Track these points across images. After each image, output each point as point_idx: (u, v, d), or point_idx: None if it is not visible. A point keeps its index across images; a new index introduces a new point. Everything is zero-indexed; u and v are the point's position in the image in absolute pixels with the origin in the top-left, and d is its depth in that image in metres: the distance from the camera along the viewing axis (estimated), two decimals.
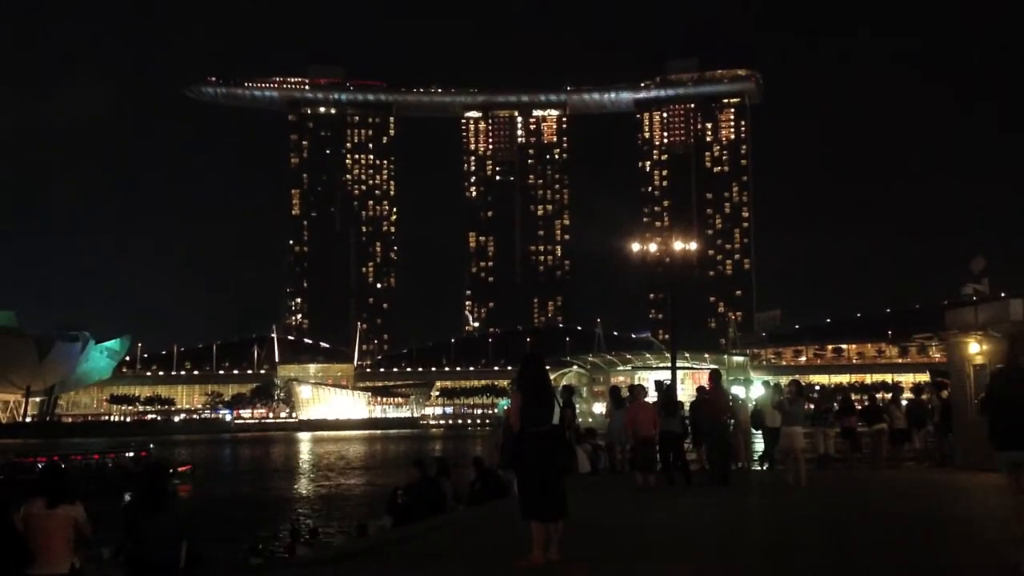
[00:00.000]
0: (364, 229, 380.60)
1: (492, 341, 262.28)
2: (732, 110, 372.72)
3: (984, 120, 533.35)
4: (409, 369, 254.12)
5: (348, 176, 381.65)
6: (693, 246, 45.43)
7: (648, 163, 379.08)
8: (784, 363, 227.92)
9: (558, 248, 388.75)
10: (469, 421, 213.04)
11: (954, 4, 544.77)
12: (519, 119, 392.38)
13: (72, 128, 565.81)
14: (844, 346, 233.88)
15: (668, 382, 28.82)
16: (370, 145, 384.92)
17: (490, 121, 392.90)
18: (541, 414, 11.34)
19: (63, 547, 9.75)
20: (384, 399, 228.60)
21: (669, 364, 43.77)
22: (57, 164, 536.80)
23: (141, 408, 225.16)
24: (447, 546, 14.01)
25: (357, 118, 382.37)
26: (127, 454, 65.69)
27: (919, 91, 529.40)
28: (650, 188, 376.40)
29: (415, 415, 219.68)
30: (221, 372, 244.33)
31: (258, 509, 47.45)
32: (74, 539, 9.89)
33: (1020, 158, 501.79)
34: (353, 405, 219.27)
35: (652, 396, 26.61)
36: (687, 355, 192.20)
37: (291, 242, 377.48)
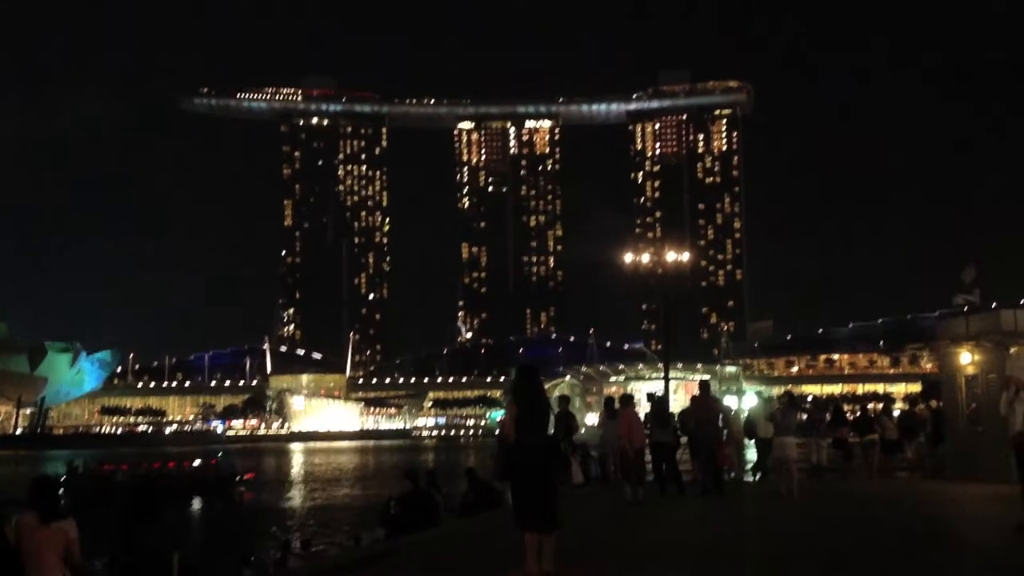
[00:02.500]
0: (357, 240, 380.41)
1: (485, 352, 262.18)
2: (724, 121, 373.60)
3: (978, 130, 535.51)
4: (402, 380, 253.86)
5: (341, 187, 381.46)
6: (685, 257, 45.59)
7: (640, 174, 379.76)
8: (776, 373, 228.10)
9: (551, 259, 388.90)
10: (462, 432, 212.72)
11: (949, 13, 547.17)
12: (512, 130, 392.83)
13: (64, 138, 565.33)
14: (836, 356, 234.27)
15: (660, 393, 28.87)
16: (363, 156, 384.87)
17: (483, 132, 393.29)
18: (536, 425, 11.36)
19: (55, 561, 9.74)
20: (377, 410, 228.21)
21: (662, 374, 43.84)
22: (48, 174, 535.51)
23: (132, 419, 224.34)
24: (440, 557, 14.01)
25: (350, 129, 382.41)
26: (195, 462, 67.10)
27: (911, 101, 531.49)
28: (642, 199, 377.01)
29: (408, 426, 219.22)
30: (213, 383, 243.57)
31: (250, 520, 47.33)
32: (65, 555, 9.87)
33: (1013, 167, 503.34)
34: (346, 416, 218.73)
35: (646, 407, 26.64)
36: (680, 365, 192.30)
37: (283, 253, 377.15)
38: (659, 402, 24.62)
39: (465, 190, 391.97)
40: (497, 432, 13.39)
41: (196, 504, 55.82)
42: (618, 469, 25.04)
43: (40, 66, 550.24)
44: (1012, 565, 12.38)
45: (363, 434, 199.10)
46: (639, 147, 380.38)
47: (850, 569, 12.07)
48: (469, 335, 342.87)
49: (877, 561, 12.67)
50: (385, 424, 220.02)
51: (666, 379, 43.59)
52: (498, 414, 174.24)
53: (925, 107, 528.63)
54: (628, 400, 22.63)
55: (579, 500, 20.32)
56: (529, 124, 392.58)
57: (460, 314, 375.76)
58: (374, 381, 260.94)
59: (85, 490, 52.59)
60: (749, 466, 28.45)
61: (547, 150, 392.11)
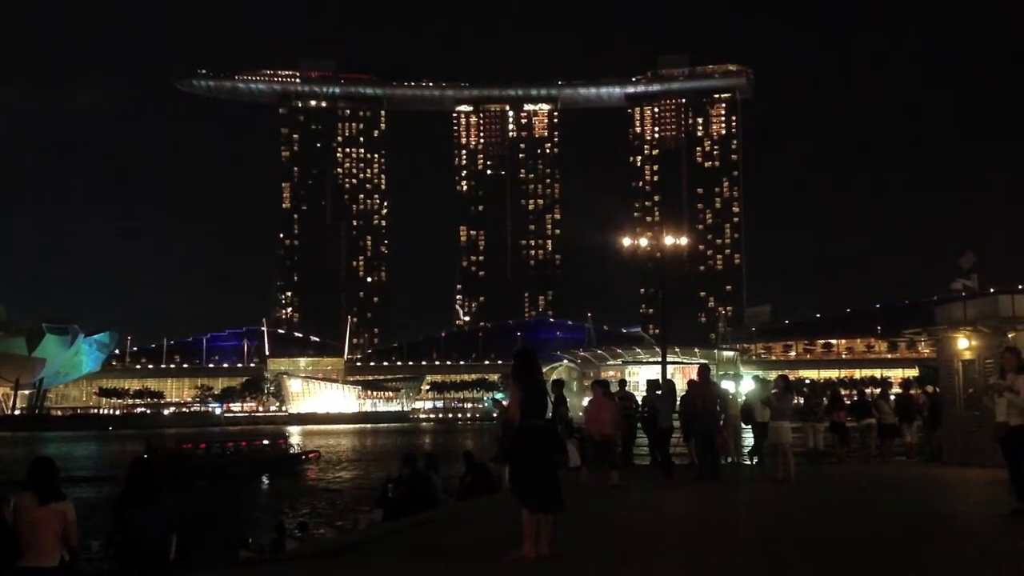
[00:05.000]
0: (355, 223, 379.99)
1: (483, 335, 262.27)
2: (723, 105, 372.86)
3: (978, 118, 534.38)
4: (400, 363, 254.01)
5: (339, 170, 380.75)
6: (684, 241, 45.61)
7: (639, 158, 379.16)
8: (774, 358, 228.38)
9: (549, 242, 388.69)
10: (460, 415, 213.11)
11: (954, 1, 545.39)
12: (510, 113, 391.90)
13: (62, 120, 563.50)
14: (834, 341, 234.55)
15: (656, 378, 28.89)
16: (361, 139, 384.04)
17: (481, 115, 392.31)
18: (539, 408, 11.56)
19: (53, 541, 9.77)
20: (374, 393, 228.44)
21: (659, 359, 43.85)
22: (46, 156, 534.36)
23: (130, 401, 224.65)
24: (438, 540, 14.03)
25: (348, 111, 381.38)
26: (263, 441, 70.54)
27: (912, 87, 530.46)
28: (641, 183, 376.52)
29: (405, 409, 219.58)
30: (211, 366, 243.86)
31: (248, 502, 47.44)
32: (63, 536, 9.89)
33: (1012, 156, 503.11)
34: (343, 399, 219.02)
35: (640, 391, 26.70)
36: (677, 350, 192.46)
37: (281, 235, 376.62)
38: (669, 387, 24.72)
39: (463, 173, 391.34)
40: (496, 414, 13.54)
41: (265, 482, 57.77)
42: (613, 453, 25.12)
43: (39, 48, 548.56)
44: (1009, 551, 12.40)
45: (361, 417, 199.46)
46: (638, 131, 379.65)
47: (845, 554, 12.10)
48: (467, 318, 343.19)
49: (872, 547, 12.69)
50: (383, 407, 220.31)
51: (663, 363, 43.61)
52: (500, 396, 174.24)
53: (927, 89, 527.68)
54: (598, 386, 22.78)
55: (575, 483, 20.34)
56: (528, 107, 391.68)
57: (458, 297, 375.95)
58: (372, 364, 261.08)
59: (166, 467, 55.04)
60: (747, 450, 28.49)
61: (546, 133, 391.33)
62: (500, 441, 19.61)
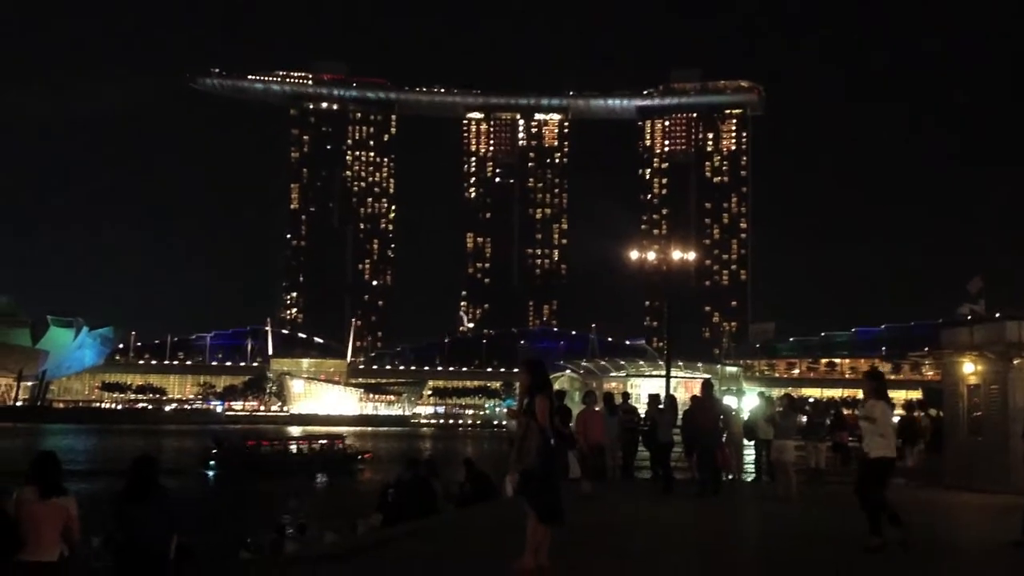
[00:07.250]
0: (362, 226, 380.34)
1: (486, 342, 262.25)
2: (734, 121, 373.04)
3: (990, 135, 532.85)
4: (402, 367, 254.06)
5: (348, 172, 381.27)
6: (691, 256, 45.58)
7: (648, 171, 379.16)
8: (777, 375, 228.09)
9: (555, 252, 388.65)
10: (460, 421, 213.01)
11: (961, 16, 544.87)
12: (521, 122, 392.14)
13: (73, 116, 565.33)
14: (837, 360, 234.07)
15: (658, 392, 28.92)
16: (371, 142, 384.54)
17: (492, 123, 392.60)
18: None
19: (53, 536, 9.76)
20: (376, 396, 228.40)
21: (662, 372, 43.79)
22: (57, 152, 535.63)
23: (132, 396, 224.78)
24: (437, 547, 14.01)
25: (359, 115, 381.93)
26: (321, 441, 74.29)
27: (922, 105, 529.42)
28: (649, 196, 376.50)
29: (406, 413, 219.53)
30: (214, 363, 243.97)
31: (248, 503, 47.43)
32: (64, 531, 9.88)
33: (1021, 175, 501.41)
34: (345, 401, 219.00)
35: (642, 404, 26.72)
36: (680, 364, 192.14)
37: (288, 236, 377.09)
38: (670, 401, 24.84)
39: (472, 180, 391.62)
40: (507, 422, 13.66)
41: (320, 480, 59.90)
42: (616, 465, 25.15)
43: (51, 45, 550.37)
44: None
45: (361, 419, 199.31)
46: (648, 144, 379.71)
47: (845, 573, 12.06)
48: (471, 325, 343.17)
49: (873, 567, 12.65)
50: (384, 411, 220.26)
51: (667, 376, 43.56)
52: (510, 402, 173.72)
53: (937, 112, 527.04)
54: (589, 398, 23.06)
55: (574, 495, 20.30)
56: (538, 116, 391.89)
57: (462, 304, 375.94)
58: (374, 367, 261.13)
59: (233, 462, 58.08)
60: (750, 467, 28.45)
61: (556, 143, 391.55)
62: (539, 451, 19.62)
